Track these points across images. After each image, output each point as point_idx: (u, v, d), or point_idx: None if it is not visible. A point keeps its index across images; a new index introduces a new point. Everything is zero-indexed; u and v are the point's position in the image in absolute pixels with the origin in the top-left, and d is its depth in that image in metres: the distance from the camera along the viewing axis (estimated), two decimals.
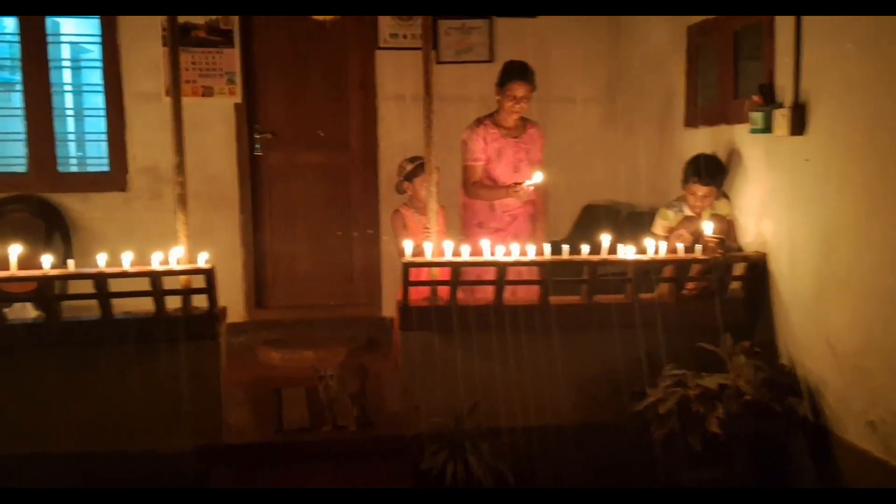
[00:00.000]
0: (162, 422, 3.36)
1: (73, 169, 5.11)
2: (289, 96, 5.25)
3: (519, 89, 3.97)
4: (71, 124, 5.11)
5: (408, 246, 3.44)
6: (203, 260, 3.34)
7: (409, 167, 4.05)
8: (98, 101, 5.19)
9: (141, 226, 4.98)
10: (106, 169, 5.06)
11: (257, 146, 5.21)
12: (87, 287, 3.28)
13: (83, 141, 5.19)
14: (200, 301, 3.45)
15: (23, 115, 4.97)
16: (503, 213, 4.17)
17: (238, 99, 5.08)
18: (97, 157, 5.12)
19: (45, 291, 3.22)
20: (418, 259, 3.44)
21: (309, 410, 3.95)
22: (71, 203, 4.99)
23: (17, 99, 5.33)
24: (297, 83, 5.24)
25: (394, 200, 5.21)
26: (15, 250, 3.16)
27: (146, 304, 3.36)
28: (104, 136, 5.05)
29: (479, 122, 4.15)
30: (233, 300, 4.65)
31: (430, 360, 3.55)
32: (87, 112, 5.17)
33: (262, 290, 5.32)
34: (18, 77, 5.26)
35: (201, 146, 4.99)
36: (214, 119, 5.07)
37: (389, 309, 5.31)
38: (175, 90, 3.43)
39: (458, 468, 3.24)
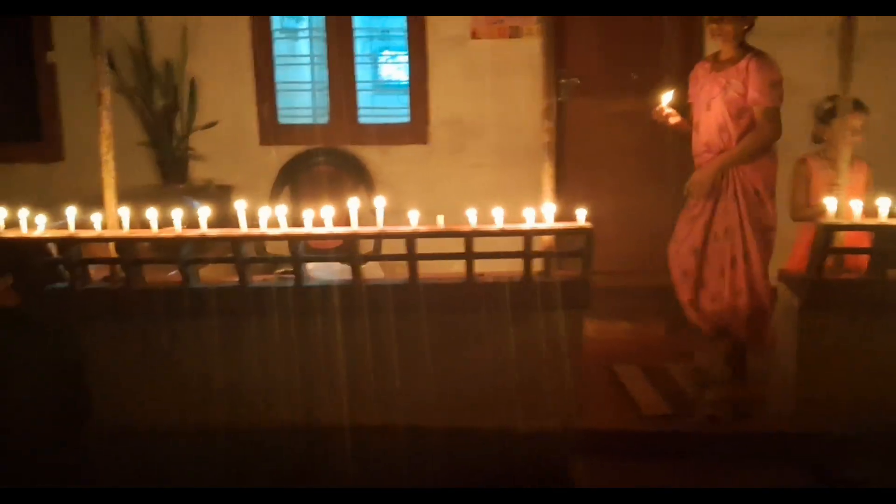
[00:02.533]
0: (521, 399, 2.96)
1: (372, 120, 4.83)
2: (599, 34, 4.66)
3: None
4: (369, 73, 4.81)
5: (831, 203, 2.75)
6: (583, 217, 2.86)
7: (828, 105, 3.31)
8: (391, 46, 4.91)
9: (441, 181, 4.66)
10: (406, 120, 4.75)
11: (562, 92, 4.69)
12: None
13: (381, 90, 4.89)
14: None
15: (325, 63, 4.76)
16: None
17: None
18: (396, 107, 4.82)
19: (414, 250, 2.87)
20: (844, 222, 2.75)
21: (662, 395, 3.45)
22: (369, 155, 4.74)
23: (298, 47, 5.15)
24: (608, 17, 4.63)
25: None
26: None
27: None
28: (404, 85, 4.75)
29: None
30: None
31: (843, 346, 2.88)
32: (386, 59, 4.86)
33: None
34: (302, 24, 5.07)
35: (504, 94, 4.59)
36: (520, 63, 4.57)
37: None
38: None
39: None
